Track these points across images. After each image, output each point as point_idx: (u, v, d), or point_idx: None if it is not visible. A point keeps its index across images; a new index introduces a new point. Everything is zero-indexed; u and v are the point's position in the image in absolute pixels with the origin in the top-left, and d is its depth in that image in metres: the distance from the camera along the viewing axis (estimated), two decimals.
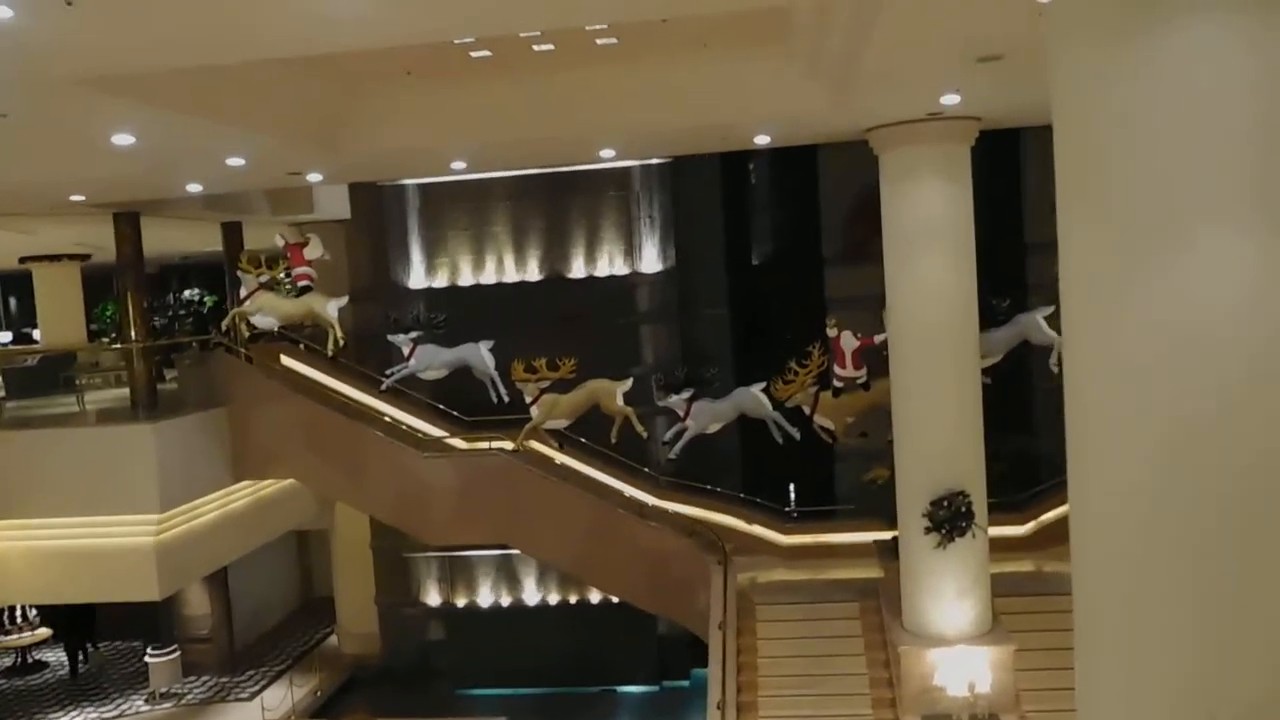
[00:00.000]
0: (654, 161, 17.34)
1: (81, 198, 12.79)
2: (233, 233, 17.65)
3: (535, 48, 9.08)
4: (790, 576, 14.72)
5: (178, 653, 18.87)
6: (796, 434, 13.80)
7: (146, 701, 18.39)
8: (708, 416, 13.71)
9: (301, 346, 16.52)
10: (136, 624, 19.24)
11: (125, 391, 17.07)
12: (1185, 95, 3.97)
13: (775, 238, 18.92)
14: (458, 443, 15.91)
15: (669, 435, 14.17)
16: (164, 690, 18.59)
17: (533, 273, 17.97)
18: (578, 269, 17.87)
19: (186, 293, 26.75)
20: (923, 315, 11.40)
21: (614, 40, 8.97)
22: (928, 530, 11.40)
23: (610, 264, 17.81)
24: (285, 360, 16.46)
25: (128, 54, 6.22)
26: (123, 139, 8.96)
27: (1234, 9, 3.87)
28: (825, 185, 17.37)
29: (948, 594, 11.50)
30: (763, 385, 13.68)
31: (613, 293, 17.65)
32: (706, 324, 17.92)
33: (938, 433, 11.50)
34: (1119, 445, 4.34)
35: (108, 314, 25.25)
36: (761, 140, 12.12)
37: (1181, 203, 4.01)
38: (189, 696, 18.69)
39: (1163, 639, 4.22)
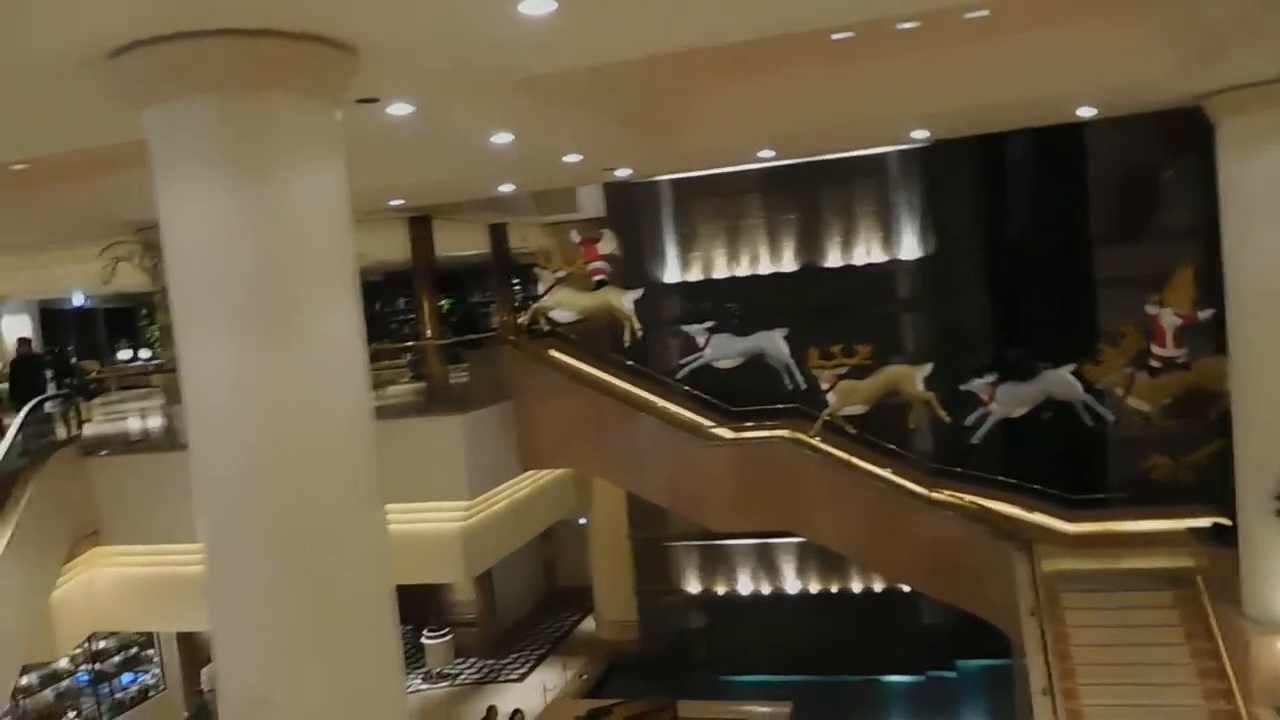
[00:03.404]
0: (910, 146, 17.14)
1: (401, 201, 13.51)
2: (499, 234, 18.38)
3: (898, 27, 9.10)
4: (1084, 565, 14.26)
5: (450, 635, 19.83)
6: (1110, 416, 13.42)
7: (424, 680, 19.36)
8: (1013, 400, 13.49)
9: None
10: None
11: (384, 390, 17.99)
12: None
13: (1040, 219, 18.41)
14: (724, 432, 16.16)
15: (972, 419, 13.98)
16: (438, 670, 19.54)
17: (788, 264, 18.03)
18: (834, 258, 17.85)
19: None
20: (1271, 286, 10.88)
21: (985, 12, 8.91)
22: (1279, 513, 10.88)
23: (868, 252, 17.71)
24: (554, 354, 17.06)
25: (637, 39, 6.59)
26: (502, 137, 9.46)
27: None
28: (1094, 163, 16.75)
29: None
30: (1072, 367, 13.36)
31: (871, 281, 17.56)
32: (970, 309, 17.66)
33: None
34: None
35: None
36: (1085, 112, 11.82)
37: None
38: (461, 677, 19.60)
39: None
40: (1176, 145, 15.37)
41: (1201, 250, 14.82)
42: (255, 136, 5.53)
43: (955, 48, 9.78)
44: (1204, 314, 12.53)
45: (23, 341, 16.84)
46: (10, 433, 12.26)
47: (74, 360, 22.72)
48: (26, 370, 15.54)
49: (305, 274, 5.78)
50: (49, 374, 16.27)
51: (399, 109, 7.79)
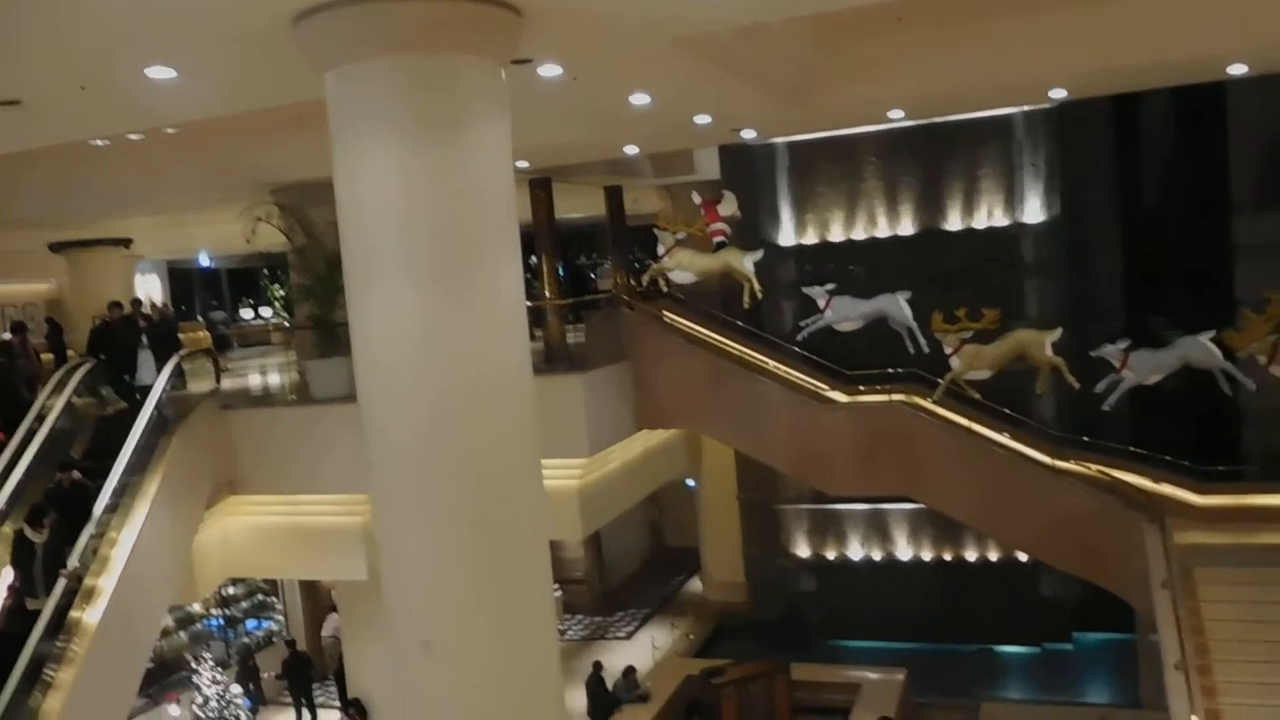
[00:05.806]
0: (1036, 107, 16.63)
1: (525, 164, 13.66)
2: (614, 196, 18.46)
3: None
4: (1217, 539, 13.84)
5: (559, 592, 20.19)
6: (1252, 385, 12.94)
7: None
8: (1148, 367, 13.08)
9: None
10: None
11: None
12: None
13: (1174, 184, 17.69)
14: (840, 395, 16.04)
15: (1102, 386, 13.62)
16: None
17: (906, 227, 17.70)
18: (954, 222, 17.45)
19: None
20: None
21: None
22: None
23: (989, 215, 17.28)
24: (670, 316, 17.11)
25: None
26: (640, 98, 9.48)
27: None
28: (1236, 126, 15.98)
29: None
30: (1212, 333, 12.90)
31: (993, 244, 17.11)
32: (1096, 275, 17.12)
33: None
34: None
35: None
36: (1236, 70, 11.32)
37: None
38: (569, 633, 19.98)
39: None
40: None
41: None
42: (437, 97, 5.68)
43: (1105, 3, 9.45)
44: None
45: (115, 305, 14.40)
46: (159, 384, 12.81)
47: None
48: (123, 336, 13.92)
49: (479, 230, 5.93)
50: (144, 340, 14.01)
51: (548, 70, 7.88)
